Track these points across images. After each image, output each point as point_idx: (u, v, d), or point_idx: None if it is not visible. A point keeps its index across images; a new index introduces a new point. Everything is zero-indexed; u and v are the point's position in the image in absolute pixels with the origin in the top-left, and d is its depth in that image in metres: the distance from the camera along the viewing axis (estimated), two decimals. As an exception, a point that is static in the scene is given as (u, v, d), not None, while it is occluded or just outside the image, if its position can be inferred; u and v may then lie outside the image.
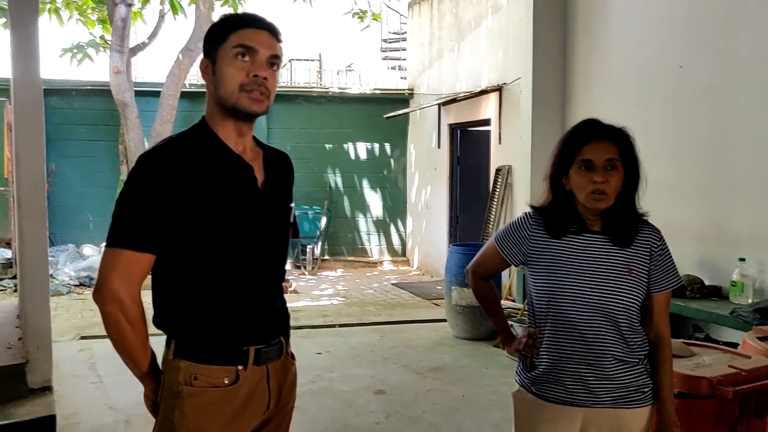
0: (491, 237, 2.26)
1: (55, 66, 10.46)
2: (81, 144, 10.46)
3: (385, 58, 13.82)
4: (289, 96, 11.06)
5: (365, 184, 11.73)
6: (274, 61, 1.79)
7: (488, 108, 8.64)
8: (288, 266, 1.91)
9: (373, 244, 11.86)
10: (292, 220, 1.95)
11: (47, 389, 4.56)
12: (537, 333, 2.11)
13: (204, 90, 1.86)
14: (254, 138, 1.91)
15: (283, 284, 1.97)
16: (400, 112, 11.07)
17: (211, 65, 1.78)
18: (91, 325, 6.80)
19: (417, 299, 8.74)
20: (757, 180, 4.56)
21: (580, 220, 2.08)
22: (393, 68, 13.63)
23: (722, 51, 4.86)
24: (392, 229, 11.90)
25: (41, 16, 5.77)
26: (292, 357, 1.97)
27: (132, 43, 10.00)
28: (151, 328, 1.77)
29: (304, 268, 10.88)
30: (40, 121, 4.66)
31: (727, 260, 4.65)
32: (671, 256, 2.10)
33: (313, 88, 12.02)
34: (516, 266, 2.22)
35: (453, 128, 9.95)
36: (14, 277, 8.23)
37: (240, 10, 9.10)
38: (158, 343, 1.80)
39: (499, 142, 8.28)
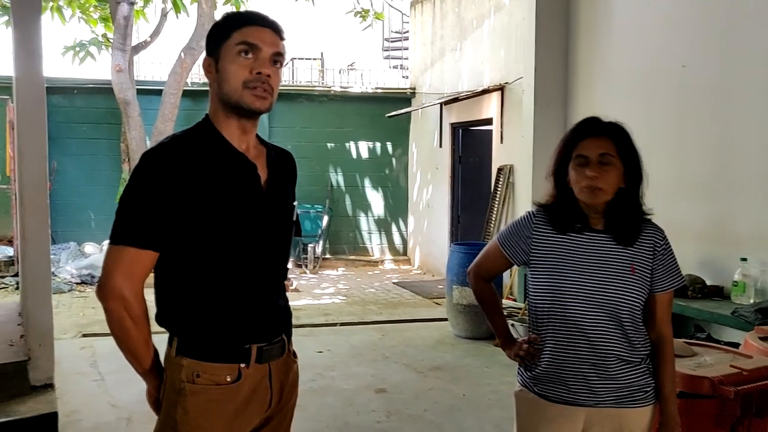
0: (493, 238, 2.26)
1: (58, 64, 10.44)
2: (83, 142, 10.47)
3: (387, 57, 13.82)
4: (291, 95, 11.07)
5: (367, 183, 11.73)
6: (277, 58, 1.79)
7: (490, 107, 8.64)
8: (289, 265, 1.89)
9: (375, 243, 11.86)
10: (294, 218, 1.96)
11: (49, 386, 4.57)
12: (537, 339, 2.11)
13: (206, 88, 1.86)
14: (257, 136, 1.91)
15: (285, 282, 1.97)
16: (402, 111, 11.07)
17: (214, 63, 1.78)
18: (92, 323, 6.81)
19: (418, 298, 8.75)
20: (759, 180, 4.55)
21: (583, 218, 2.08)
22: (395, 67, 13.63)
23: (725, 50, 4.86)
24: (393, 228, 11.90)
25: (44, 14, 5.78)
26: (294, 355, 1.98)
27: (134, 42, 10.01)
28: (154, 326, 1.77)
29: (306, 266, 10.88)
30: (42, 119, 4.66)
31: (729, 260, 4.65)
32: (674, 256, 2.10)
33: (315, 87, 12.02)
34: (519, 266, 2.22)
35: (455, 127, 9.95)
36: (16, 275, 8.24)
37: (242, 9, 9.11)
38: (161, 340, 1.80)
39: (501, 142, 8.28)
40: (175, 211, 1.69)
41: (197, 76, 10.50)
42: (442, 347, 6.24)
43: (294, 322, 1.99)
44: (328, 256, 11.49)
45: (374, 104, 11.52)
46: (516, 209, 7.71)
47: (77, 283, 9.02)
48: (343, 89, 11.76)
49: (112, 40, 9.70)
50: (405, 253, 11.91)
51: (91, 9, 10.24)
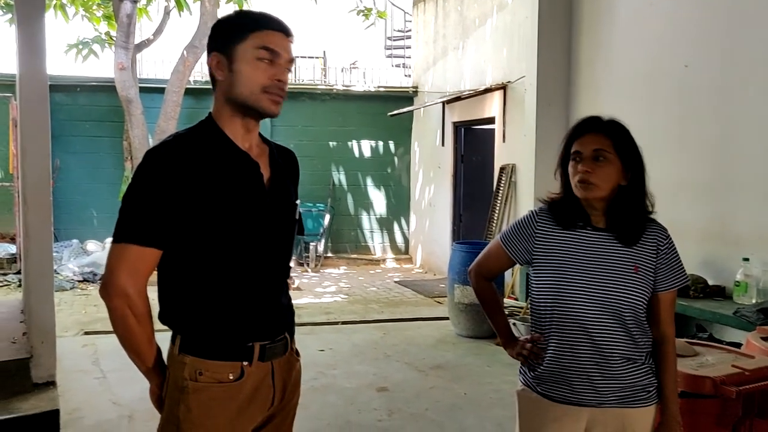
0: (495, 237, 2.26)
1: (61, 62, 10.48)
2: (85, 140, 10.48)
3: (389, 56, 13.82)
4: (293, 93, 11.06)
5: (369, 181, 11.74)
6: (290, 65, 1.81)
7: (492, 106, 8.64)
8: (291, 263, 1.90)
9: (377, 242, 11.87)
10: (297, 217, 1.96)
11: (51, 384, 4.58)
12: (540, 339, 2.11)
13: (208, 87, 1.85)
14: (260, 135, 1.91)
15: (287, 281, 1.97)
16: (405, 110, 11.08)
17: (226, 62, 1.77)
18: (94, 321, 6.82)
19: (420, 297, 8.75)
20: (761, 180, 4.55)
21: (584, 215, 2.09)
22: (397, 66, 13.63)
23: (728, 50, 4.85)
24: (395, 226, 11.90)
25: (47, 12, 5.80)
26: (297, 353, 1.98)
27: (137, 40, 10.02)
28: (156, 324, 1.78)
29: (308, 265, 10.89)
30: (45, 116, 4.67)
31: (731, 260, 4.65)
32: (678, 255, 2.10)
33: (318, 85, 12.02)
34: (521, 265, 2.22)
35: (457, 126, 9.95)
36: (19, 272, 8.26)
37: (245, 8, 9.12)
38: (163, 339, 1.81)
39: (503, 141, 8.28)
40: (178, 210, 1.69)
41: (200, 74, 10.51)
42: (444, 346, 6.24)
43: (296, 320, 2.00)
44: (329, 254, 11.50)
45: (376, 103, 11.52)
46: (518, 208, 7.70)
47: (79, 281, 9.03)
48: (345, 88, 11.76)
49: (115, 38, 9.71)
50: (407, 251, 11.91)
51: (94, 7, 10.26)
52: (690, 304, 4.40)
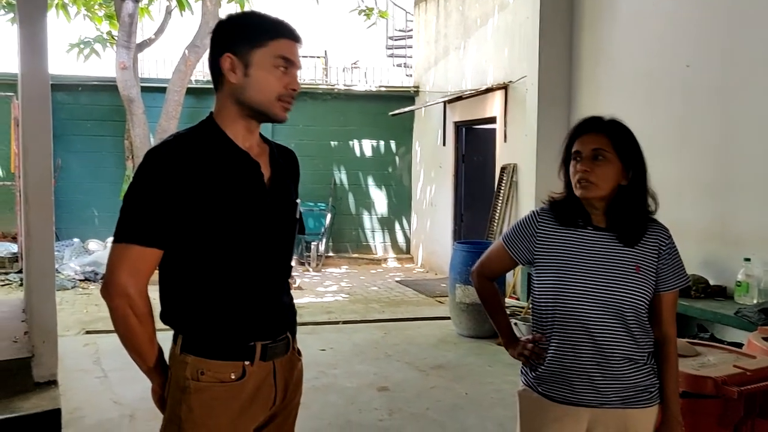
0: (498, 237, 2.27)
1: (62, 61, 10.47)
2: (87, 139, 10.49)
3: (390, 56, 13.82)
4: (294, 93, 11.05)
5: (370, 181, 11.74)
6: (299, 71, 1.83)
7: (494, 106, 8.63)
8: (292, 263, 1.91)
9: (378, 242, 11.87)
10: (297, 216, 1.96)
11: (52, 383, 4.58)
12: (542, 339, 2.11)
13: (210, 87, 1.86)
14: (260, 134, 1.92)
15: (289, 280, 1.98)
16: (406, 109, 11.07)
17: (242, 66, 1.76)
18: (95, 320, 6.83)
19: (421, 297, 8.75)
20: (763, 180, 4.55)
21: (585, 214, 2.09)
22: (399, 66, 13.63)
23: (729, 50, 4.85)
24: (397, 226, 11.90)
25: (49, 12, 5.79)
26: (299, 353, 1.98)
27: (138, 39, 10.02)
28: (158, 324, 1.78)
29: (309, 264, 10.89)
30: (47, 116, 4.68)
31: (733, 260, 4.65)
32: (679, 256, 2.10)
33: (319, 85, 12.02)
34: (523, 265, 2.22)
35: (458, 126, 9.95)
36: (20, 272, 8.27)
37: (247, 8, 9.12)
38: (165, 338, 1.81)
39: (505, 140, 8.28)
40: (179, 209, 1.69)
41: (201, 73, 10.51)
42: (445, 346, 6.24)
43: (297, 319, 2.00)
44: (331, 254, 11.50)
45: (378, 102, 11.52)
46: (519, 208, 7.70)
47: (81, 280, 9.04)
48: (346, 87, 11.76)
49: (116, 38, 9.71)
50: (408, 251, 11.92)
51: (96, 6, 10.27)
52: (691, 304, 4.40)
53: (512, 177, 7.91)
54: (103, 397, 4.71)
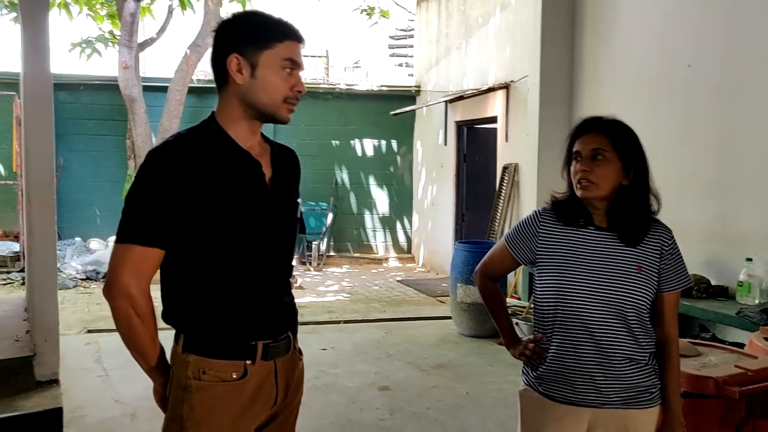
0: (499, 237, 2.28)
1: (64, 60, 10.49)
2: (89, 138, 10.50)
3: (392, 55, 13.85)
4: (296, 92, 11.04)
5: (371, 180, 11.74)
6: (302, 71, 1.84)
7: (495, 105, 8.63)
8: (294, 262, 1.92)
9: (379, 241, 11.87)
10: (298, 215, 1.97)
11: (54, 382, 4.58)
12: (544, 339, 2.11)
13: (211, 86, 1.86)
14: (261, 134, 1.92)
15: (290, 280, 1.98)
16: (407, 109, 11.07)
17: (249, 67, 1.76)
18: (97, 319, 6.83)
19: (422, 296, 8.75)
20: (764, 179, 4.54)
21: (586, 214, 2.09)
22: (400, 65, 13.66)
23: (731, 50, 4.85)
24: (398, 225, 11.91)
25: (51, 11, 5.79)
26: (300, 352, 1.98)
27: (140, 39, 10.02)
28: (159, 323, 1.78)
29: (310, 264, 10.90)
30: (49, 115, 4.67)
31: (734, 260, 4.64)
32: (682, 257, 2.10)
33: (320, 84, 12.04)
34: (525, 265, 2.22)
35: (460, 125, 9.94)
36: (22, 270, 8.27)
37: (248, 7, 9.12)
38: (166, 337, 1.81)
39: (506, 140, 8.28)
40: (180, 209, 1.70)
41: (203, 73, 10.51)
42: (446, 345, 6.24)
43: (298, 319, 2.00)
44: (332, 253, 11.51)
45: (379, 102, 11.52)
46: (521, 208, 7.70)
47: (82, 279, 9.05)
48: (348, 87, 11.77)
49: (118, 37, 9.72)
50: (409, 251, 11.92)
51: (98, 6, 10.27)
52: (693, 304, 4.40)
53: (514, 177, 7.91)
54: (105, 396, 4.72)
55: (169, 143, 1.76)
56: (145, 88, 9.82)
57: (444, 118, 10.18)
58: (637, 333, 2.02)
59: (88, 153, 10.47)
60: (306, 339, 5.64)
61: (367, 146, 11.70)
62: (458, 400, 4.77)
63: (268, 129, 1.95)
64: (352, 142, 11.63)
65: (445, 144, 10.21)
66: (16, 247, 9.26)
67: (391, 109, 11.07)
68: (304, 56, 1.86)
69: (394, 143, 11.75)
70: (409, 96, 11.65)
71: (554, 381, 2.08)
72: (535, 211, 2.20)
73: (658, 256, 2.06)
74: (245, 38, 1.77)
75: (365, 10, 11.14)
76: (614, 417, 2.03)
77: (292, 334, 1.93)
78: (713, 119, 5.00)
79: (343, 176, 11.62)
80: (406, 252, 11.92)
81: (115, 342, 1.79)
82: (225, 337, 1.78)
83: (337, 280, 10.00)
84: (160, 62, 12.13)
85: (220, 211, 1.73)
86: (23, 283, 7.45)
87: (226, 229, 1.75)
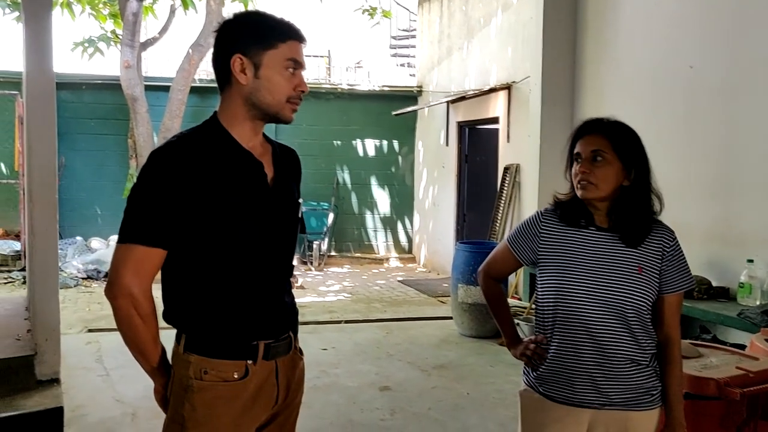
0: (501, 238, 2.29)
1: (66, 60, 10.47)
2: (90, 138, 10.50)
3: (394, 56, 13.83)
4: (298, 92, 11.03)
5: (373, 180, 11.74)
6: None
7: (497, 106, 8.63)
8: (294, 262, 1.93)
9: (380, 241, 11.87)
10: (299, 215, 1.97)
11: (55, 381, 4.59)
12: (544, 341, 2.12)
13: (213, 86, 1.86)
14: (263, 134, 1.92)
15: (291, 279, 1.98)
16: (409, 109, 11.07)
17: (252, 67, 1.76)
18: (98, 318, 6.84)
19: (423, 296, 8.75)
20: (766, 180, 4.54)
21: (588, 215, 2.10)
22: (402, 65, 13.64)
23: (733, 51, 4.84)
24: (399, 226, 11.90)
25: (54, 10, 5.78)
26: (301, 352, 1.98)
27: (143, 38, 10.03)
28: (160, 323, 1.78)
29: (311, 263, 10.90)
30: (52, 114, 4.68)
31: (736, 261, 4.64)
32: (684, 258, 2.10)
33: (322, 84, 12.03)
34: (527, 265, 2.23)
35: (461, 126, 9.94)
36: (23, 269, 8.28)
37: (250, 7, 9.13)
38: (167, 336, 1.81)
39: (508, 141, 8.28)
40: (183, 210, 1.70)
41: (205, 72, 10.52)
42: (447, 345, 6.24)
43: (299, 319, 2.00)
44: (333, 253, 11.50)
45: (381, 102, 11.52)
46: (522, 209, 7.70)
47: (83, 278, 9.05)
48: (350, 87, 11.76)
49: (120, 37, 9.73)
50: (410, 251, 11.91)
51: (101, 5, 10.27)
52: (694, 305, 4.40)
53: (515, 177, 7.91)
54: (106, 395, 4.72)
55: (172, 143, 1.76)
56: (147, 88, 9.83)
57: (445, 118, 10.18)
58: (637, 334, 2.02)
59: (90, 152, 10.48)
60: (307, 339, 5.64)
61: (368, 146, 11.70)
62: (459, 401, 4.77)
63: (269, 129, 1.95)
64: (353, 142, 11.62)
65: (447, 144, 10.21)
66: (17, 245, 9.26)
67: (393, 110, 11.07)
68: (306, 56, 1.86)
69: (395, 143, 11.75)
70: (410, 96, 11.65)
71: (554, 381, 2.08)
72: (537, 212, 2.20)
73: (660, 258, 2.06)
74: (248, 38, 1.77)
75: (367, 10, 11.14)
76: (614, 418, 2.03)
77: (293, 333, 1.93)
78: (715, 120, 4.99)
79: (345, 176, 11.62)
80: (407, 252, 11.91)
81: (116, 341, 1.79)
82: (226, 337, 1.78)
83: (338, 280, 10.00)
84: (163, 62, 12.13)
85: (222, 211, 1.73)
86: (24, 282, 7.45)
87: (228, 229, 1.75)
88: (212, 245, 1.75)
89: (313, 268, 10.78)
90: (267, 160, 1.87)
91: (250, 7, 8.98)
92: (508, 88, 8.24)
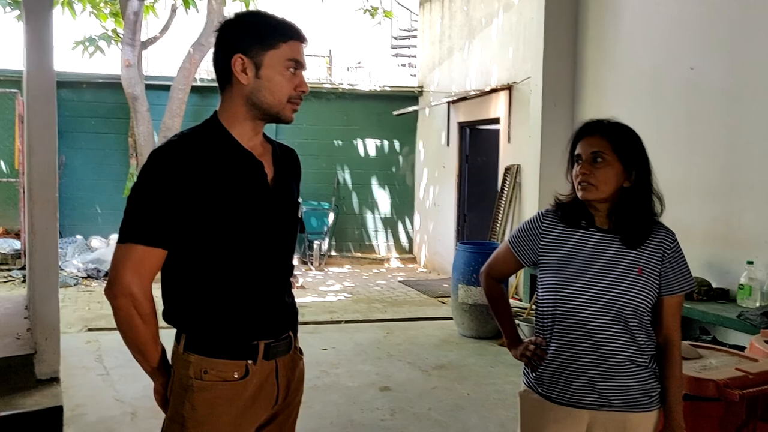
0: (501, 239, 2.29)
1: (67, 58, 10.48)
2: (91, 136, 10.50)
3: (395, 56, 13.84)
4: (298, 92, 11.03)
5: (373, 180, 11.74)
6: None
7: (498, 107, 8.63)
8: (295, 262, 1.94)
9: (381, 241, 11.87)
10: (299, 215, 1.97)
11: (55, 380, 4.59)
12: (543, 342, 2.12)
13: (214, 85, 1.86)
14: (264, 134, 1.92)
15: (291, 279, 1.98)
16: (410, 109, 11.07)
17: (253, 67, 1.76)
18: (98, 317, 6.84)
19: (423, 297, 8.75)
20: (767, 183, 4.54)
21: (588, 216, 2.10)
22: (403, 65, 13.65)
23: (733, 52, 4.84)
24: (400, 226, 11.90)
25: (54, 9, 5.78)
26: (300, 352, 1.98)
27: (144, 37, 10.02)
28: (160, 323, 1.78)
29: (311, 263, 10.90)
30: (52, 113, 4.68)
31: (736, 263, 4.64)
32: (685, 260, 2.10)
33: (323, 84, 12.01)
34: (527, 266, 2.23)
35: (462, 126, 9.94)
36: (23, 268, 8.28)
37: (252, 7, 9.12)
38: (166, 336, 1.81)
39: (509, 141, 8.27)
40: (183, 209, 1.70)
41: (206, 72, 10.51)
42: (447, 346, 6.24)
43: (299, 319, 2.00)
44: (334, 253, 11.50)
45: (382, 102, 11.52)
46: (523, 209, 7.70)
47: (83, 277, 9.05)
48: (350, 87, 11.75)
49: (121, 35, 9.72)
50: (411, 251, 11.91)
51: (102, 4, 10.26)
52: (694, 307, 4.40)
53: (516, 178, 7.90)
54: (105, 394, 4.72)
55: (172, 143, 1.76)
56: (148, 87, 9.82)
57: (446, 118, 10.18)
58: (636, 335, 2.02)
59: (91, 151, 10.48)
60: (307, 339, 5.64)
61: (369, 146, 11.70)
62: (459, 401, 4.77)
63: (270, 129, 1.95)
64: (354, 142, 11.62)
65: (448, 145, 10.21)
66: (17, 244, 9.26)
67: (394, 110, 11.06)
68: (307, 56, 1.86)
69: (396, 143, 11.75)
70: (411, 96, 11.65)
71: (552, 382, 2.08)
72: (538, 213, 2.21)
73: (660, 259, 2.06)
74: (249, 38, 1.77)
75: (368, 10, 11.13)
76: (613, 419, 2.03)
77: (293, 333, 1.93)
78: (715, 121, 4.99)
79: (345, 176, 11.62)
80: (407, 252, 11.91)
81: (116, 340, 1.79)
82: (227, 337, 1.78)
83: (338, 280, 10.00)
84: (163, 61, 12.13)
85: (223, 211, 1.73)
86: (24, 281, 7.45)
87: (228, 228, 1.75)
88: (212, 245, 1.75)
89: (313, 268, 10.78)
90: (267, 159, 1.87)
91: (252, 7, 8.98)
92: (509, 88, 8.24)
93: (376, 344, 6.25)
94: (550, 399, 2.09)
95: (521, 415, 2.20)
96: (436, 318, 7.38)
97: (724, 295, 4.63)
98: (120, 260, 1.70)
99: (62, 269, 8.79)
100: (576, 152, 2.09)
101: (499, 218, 8.09)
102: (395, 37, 13.65)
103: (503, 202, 8.07)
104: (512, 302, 6.76)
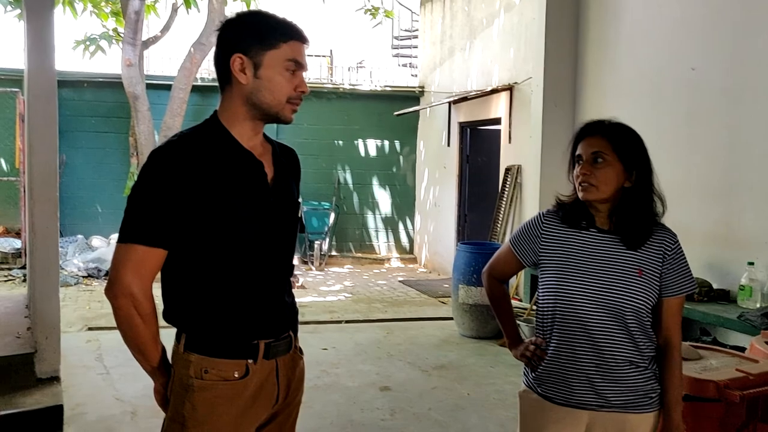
0: (502, 239, 2.29)
1: (68, 58, 10.47)
2: (92, 136, 10.51)
3: (396, 56, 13.81)
4: (299, 92, 11.03)
5: (374, 180, 11.74)
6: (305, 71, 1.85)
7: (499, 107, 8.63)
8: (295, 261, 1.95)
9: (381, 241, 11.87)
10: (299, 215, 1.97)
11: (55, 379, 4.58)
12: (543, 343, 2.12)
13: (215, 84, 1.86)
14: (264, 134, 1.92)
15: (291, 279, 1.98)
16: (411, 109, 11.07)
17: (252, 67, 1.76)
18: (98, 317, 6.84)
19: (424, 297, 8.75)
20: (767, 183, 4.54)
21: (589, 217, 2.10)
22: (404, 66, 13.62)
23: (734, 53, 4.84)
24: (400, 226, 11.90)
25: (55, 8, 5.77)
26: (301, 351, 1.98)
27: (144, 36, 10.03)
28: (160, 322, 1.78)
29: (312, 263, 10.90)
30: (53, 112, 4.68)
31: (736, 264, 4.64)
32: (686, 261, 2.10)
33: (324, 84, 12.01)
34: (528, 266, 2.23)
35: (463, 127, 9.94)
36: (23, 267, 8.28)
37: (253, 6, 9.13)
38: (167, 335, 1.81)
39: (509, 142, 8.27)
40: (183, 209, 1.70)
41: (207, 71, 10.51)
42: (447, 346, 6.24)
43: (299, 319, 2.00)
44: (334, 253, 11.50)
45: (383, 102, 11.52)
46: (523, 210, 7.70)
47: (84, 277, 9.05)
48: (351, 87, 11.76)
49: (122, 35, 9.73)
50: (411, 251, 11.91)
51: (103, 3, 10.27)
52: (694, 308, 4.40)
53: (516, 178, 7.90)
54: (106, 393, 4.72)
55: (172, 143, 1.76)
56: (149, 86, 9.83)
57: (447, 119, 10.17)
58: (636, 336, 2.02)
59: (91, 150, 10.48)
60: (307, 339, 5.64)
61: (370, 146, 11.70)
62: (459, 401, 4.77)
63: (270, 128, 1.95)
64: (355, 142, 11.62)
65: (448, 145, 10.21)
66: (17, 243, 9.26)
67: (395, 110, 11.06)
68: (308, 56, 1.86)
69: (397, 144, 11.75)
70: (412, 96, 11.65)
71: (552, 382, 2.08)
72: (539, 213, 2.21)
73: (660, 260, 2.06)
74: (249, 38, 1.77)
75: (369, 10, 11.13)
76: (613, 420, 2.03)
77: (293, 333, 1.93)
78: (716, 122, 4.99)
79: (346, 176, 11.62)
80: (408, 252, 11.91)
81: (116, 340, 1.79)
82: (227, 336, 1.78)
83: (338, 280, 10.00)
84: (164, 60, 12.13)
85: (223, 210, 1.73)
86: (25, 280, 7.45)
87: (229, 228, 1.75)
88: (212, 245, 1.75)
89: (313, 268, 10.78)
90: (267, 159, 1.87)
91: (253, 7, 8.98)
92: (509, 89, 8.23)
93: (377, 344, 6.25)
94: (549, 399, 2.09)
95: (521, 416, 2.20)
96: (437, 318, 7.38)
97: (724, 296, 4.63)
98: (120, 260, 1.69)
99: (63, 268, 8.79)
100: (577, 153, 2.09)
101: (500, 218, 8.09)
102: (396, 37, 13.63)
103: (504, 202, 8.07)
104: (513, 302, 6.75)
